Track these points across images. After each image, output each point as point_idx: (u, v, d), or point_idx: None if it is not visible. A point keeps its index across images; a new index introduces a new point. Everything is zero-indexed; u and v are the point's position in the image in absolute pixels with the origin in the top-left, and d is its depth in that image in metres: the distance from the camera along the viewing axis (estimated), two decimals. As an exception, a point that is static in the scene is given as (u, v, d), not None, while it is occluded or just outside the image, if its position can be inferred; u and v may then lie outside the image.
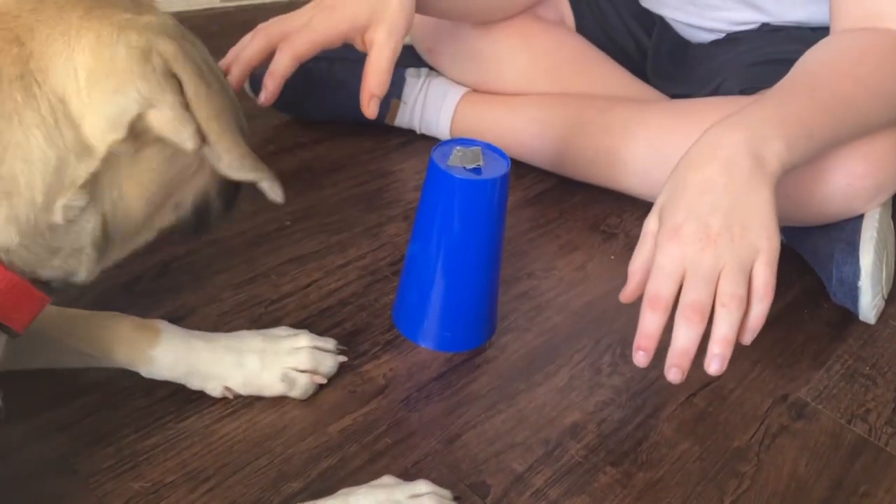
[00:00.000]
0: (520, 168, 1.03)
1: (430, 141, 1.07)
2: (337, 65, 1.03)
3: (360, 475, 0.64)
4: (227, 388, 0.67)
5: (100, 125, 0.51)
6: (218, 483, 0.62)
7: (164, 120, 0.51)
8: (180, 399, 0.67)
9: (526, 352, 0.78)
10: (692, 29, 1.07)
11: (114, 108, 0.50)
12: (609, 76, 1.04)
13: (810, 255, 0.88)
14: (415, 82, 1.05)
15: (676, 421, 0.72)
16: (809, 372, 0.80)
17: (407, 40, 1.08)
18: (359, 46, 0.82)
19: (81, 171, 0.51)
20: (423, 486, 0.61)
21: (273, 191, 0.56)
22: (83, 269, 0.55)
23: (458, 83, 1.05)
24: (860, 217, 0.82)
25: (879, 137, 0.79)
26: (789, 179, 0.81)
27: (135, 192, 0.55)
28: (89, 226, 0.53)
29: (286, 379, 0.68)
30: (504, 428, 0.70)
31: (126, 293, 0.77)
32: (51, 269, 0.53)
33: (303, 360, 0.69)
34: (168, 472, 0.62)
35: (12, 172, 0.49)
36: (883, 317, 0.86)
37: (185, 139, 0.52)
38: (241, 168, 0.54)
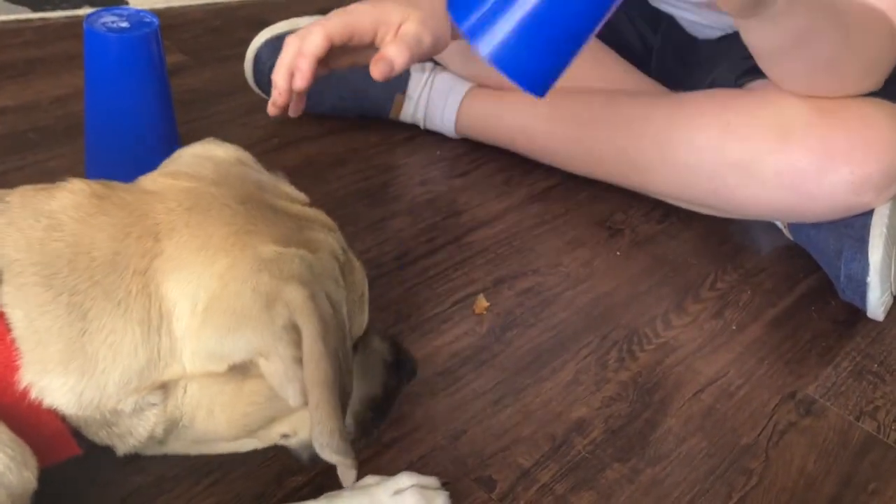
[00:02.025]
0: (525, 164, 1.02)
1: (435, 136, 1.07)
2: (341, 59, 1.03)
3: (366, 469, 0.63)
4: None
5: (200, 354, 0.48)
6: (221, 477, 0.61)
7: (274, 371, 0.48)
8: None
9: (532, 347, 0.77)
10: (700, 26, 1.06)
11: (220, 347, 0.48)
12: (615, 71, 1.03)
13: (818, 252, 0.88)
14: (420, 76, 1.04)
15: (684, 417, 0.72)
16: (817, 369, 0.79)
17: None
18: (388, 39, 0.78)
19: (166, 377, 0.49)
20: (405, 479, 0.59)
21: (344, 477, 0.54)
22: (125, 448, 0.52)
23: (464, 78, 1.04)
24: (869, 213, 0.82)
25: (883, 126, 0.78)
26: (795, 172, 0.80)
27: (225, 415, 0.52)
28: (153, 420, 0.50)
29: None
30: (510, 423, 0.69)
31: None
32: (96, 437, 0.51)
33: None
34: (171, 466, 0.61)
35: (96, 354, 0.47)
36: (891, 314, 0.86)
37: (290, 395, 0.48)
38: (327, 445, 0.49)
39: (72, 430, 0.49)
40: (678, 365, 0.77)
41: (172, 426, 0.51)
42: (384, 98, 1.05)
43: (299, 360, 0.48)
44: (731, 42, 1.00)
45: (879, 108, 0.80)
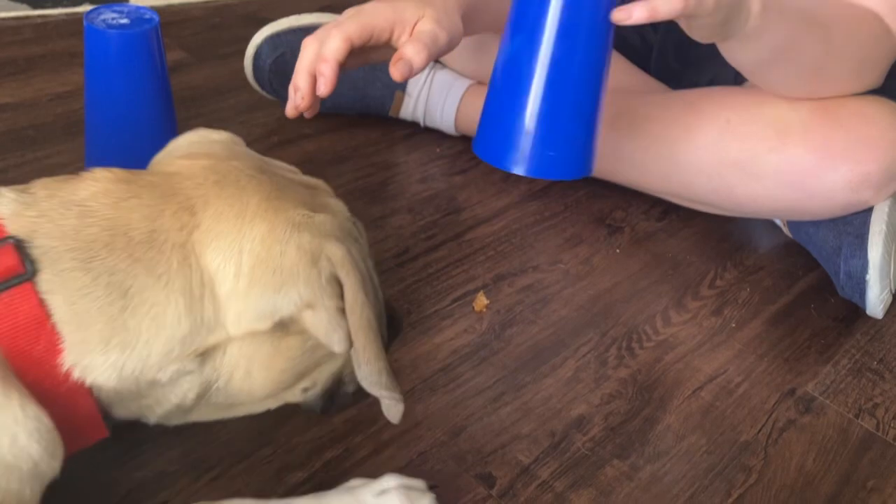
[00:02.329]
0: (525, 161, 1.02)
1: (435, 134, 1.07)
2: (341, 56, 1.03)
3: (365, 466, 0.63)
4: None
5: (247, 315, 0.51)
6: (221, 472, 0.61)
7: (319, 322, 0.52)
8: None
9: (531, 344, 0.77)
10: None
11: (269, 305, 0.51)
12: (615, 69, 1.03)
13: (818, 250, 0.88)
14: (419, 74, 1.04)
15: (683, 414, 0.72)
16: (817, 366, 0.79)
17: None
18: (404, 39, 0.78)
19: (208, 343, 0.51)
20: (390, 480, 0.59)
21: (391, 412, 0.55)
22: (155, 418, 0.55)
23: (463, 75, 1.04)
24: (869, 210, 0.82)
25: (883, 124, 0.78)
26: (794, 170, 0.80)
27: (263, 374, 0.54)
28: (186, 387, 0.53)
29: None
30: (510, 420, 0.69)
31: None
32: (126, 411, 0.53)
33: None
34: (171, 462, 0.61)
35: (138, 328, 0.49)
36: (890, 311, 0.86)
37: (335, 342, 0.52)
38: (376, 382, 0.53)
39: (102, 411, 0.51)
40: (677, 362, 0.77)
41: (205, 390, 0.54)
42: (384, 95, 1.05)
43: (342, 310, 0.52)
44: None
45: (879, 105, 0.80)
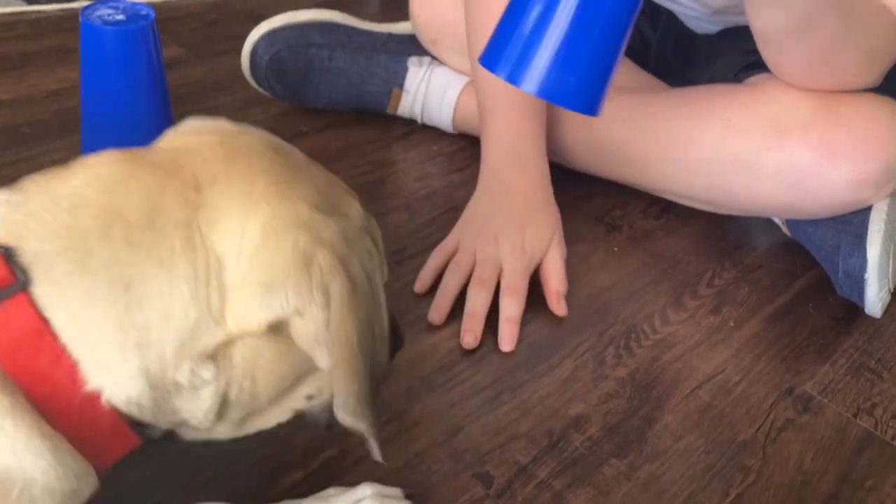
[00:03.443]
0: (522, 159, 1.02)
1: (433, 131, 1.06)
2: (338, 53, 1.03)
3: (362, 465, 0.63)
4: None
5: (242, 311, 0.47)
6: (217, 474, 0.61)
7: (306, 331, 0.48)
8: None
9: (529, 343, 0.77)
10: (699, 21, 1.06)
11: (260, 302, 0.47)
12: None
13: (816, 249, 0.88)
14: (417, 71, 1.04)
15: (681, 413, 0.72)
16: (815, 366, 0.79)
17: (409, 29, 1.07)
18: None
19: (216, 339, 0.47)
20: (366, 489, 0.58)
21: (372, 448, 0.53)
22: (188, 432, 0.51)
23: (461, 73, 1.04)
24: (868, 209, 0.81)
25: (883, 122, 0.78)
26: (794, 169, 0.80)
27: (265, 379, 0.50)
28: (209, 400, 0.48)
29: None
30: (508, 419, 0.69)
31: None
32: (158, 421, 0.49)
33: None
34: (167, 462, 0.61)
35: (148, 323, 0.45)
36: (889, 310, 0.86)
37: (320, 357, 0.48)
38: (342, 406, 0.49)
39: (130, 422, 0.47)
40: (676, 361, 0.77)
41: (224, 402, 0.50)
42: (381, 93, 1.04)
43: (330, 325, 0.47)
44: (731, 37, 1.00)
45: (879, 104, 0.80)
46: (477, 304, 0.77)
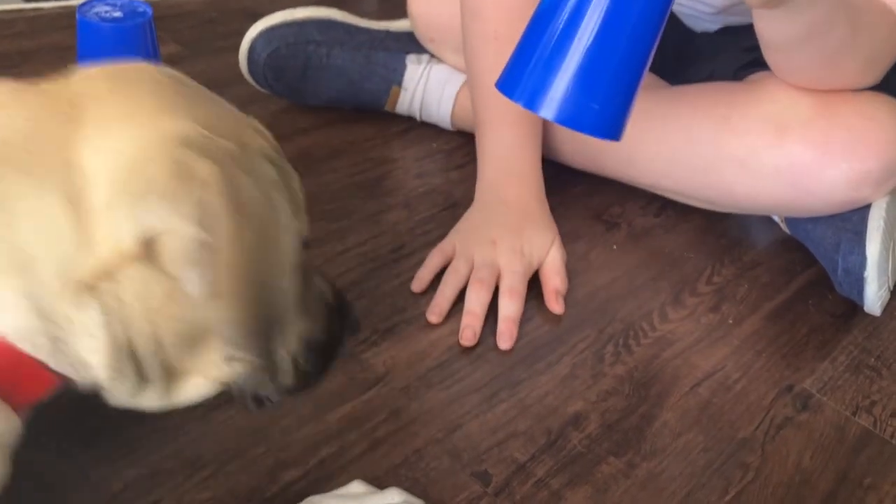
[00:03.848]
0: (521, 157, 1.02)
1: (431, 129, 1.06)
2: (336, 50, 1.02)
3: (360, 463, 0.63)
4: None
5: (113, 228, 0.44)
6: (216, 470, 0.61)
7: (174, 249, 0.44)
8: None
9: (528, 341, 0.77)
10: (698, 19, 1.06)
11: (128, 215, 0.44)
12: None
13: (816, 246, 0.88)
14: (416, 69, 1.03)
15: (680, 411, 0.72)
16: (814, 363, 0.79)
17: (408, 27, 1.07)
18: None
19: (93, 263, 0.44)
20: (395, 495, 0.56)
21: (272, 393, 0.50)
22: (112, 395, 0.48)
23: (460, 70, 1.04)
24: (867, 207, 0.81)
25: (883, 120, 0.78)
26: (793, 167, 0.80)
27: (166, 325, 0.46)
28: (103, 341, 0.45)
29: None
30: (506, 417, 0.69)
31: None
32: (58, 366, 0.46)
33: None
34: (165, 459, 0.61)
35: (25, 243, 0.43)
36: (888, 308, 0.85)
37: (190, 280, 0.44)
38: (234, 342, 0.45)
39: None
40: (675, 359, 0.77)
41: (133, 356, 0.47)
42: (380, 90, 1.04)
43: (208, 246, 0.44)
44: (730, 35, 0.99)
45: (879, 102, 0.79)
46: (475, 303, 0.77)
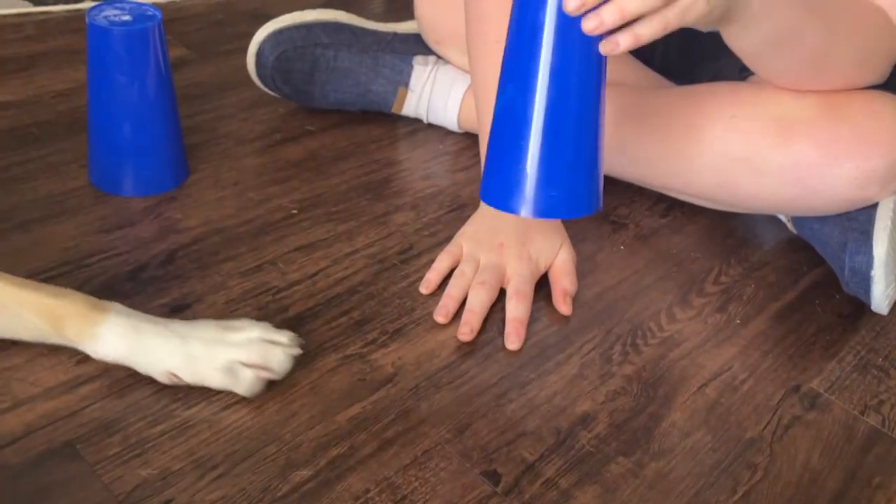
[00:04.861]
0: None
1: (438, 130, 1.07)
2: (343, 52, 1.03)
3: (370, 463, 0.63)
4: (173, 375, 0.65)
5: None
6: (226, 470, 0.61)
7: None
8: (187, 387, 0.66)
9: (536, 341, 0.77)
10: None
11: None
12: (619, 65, 1.03)
13: (822, 246, 0.88)
14: (423, 70, 1.04)
15: (688, 411, 0.72)
16: (822, 363, 0.79)
17: (414, 29, 1.07)
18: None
19: None
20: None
21: None
22: None
23: (466, 72, 1.04)
24: (874, 206, 0.81)
25: (889, 119, 0.78)
26: (799, 166, 0.80)
27: None
28: None
29: (230, 371, 0.65)
30: (515, 417, 0.69)
31: (132, 281, 0.77)
32: None
33: (251, 353, 0.65)
34: (176, 460, 0.61)
35: None
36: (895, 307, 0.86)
37: None
38: None
39: None
40: (682, 359, 0.77)
41: None
42: (387, 92, 1.04)
43: None
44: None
45: (885, 101, 0.79)
46: (475, 303, 0.77)
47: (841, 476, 0.68)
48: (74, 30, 1.21)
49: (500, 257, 0.81)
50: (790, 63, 0.78)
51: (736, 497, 0.65)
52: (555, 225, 0.86)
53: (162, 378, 0.65)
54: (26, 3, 1.26)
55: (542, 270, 0.82)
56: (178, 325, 0.67)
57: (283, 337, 0.68)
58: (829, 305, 0.86)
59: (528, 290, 0.79)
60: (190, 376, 0.65)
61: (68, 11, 1.26)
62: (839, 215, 0.84)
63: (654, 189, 0.96)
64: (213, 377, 0.65)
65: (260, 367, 0.66)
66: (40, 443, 0.61)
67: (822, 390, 0.76)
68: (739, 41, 0.74)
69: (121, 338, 0.65)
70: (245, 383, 0.65)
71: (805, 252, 0.92)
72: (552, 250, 0.83)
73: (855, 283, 0.83)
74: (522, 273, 0.80)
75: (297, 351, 0.68)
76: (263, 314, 0.75)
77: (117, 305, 0.67)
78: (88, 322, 0.65)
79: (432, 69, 1.04)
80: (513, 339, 0.76)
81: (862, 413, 0.74)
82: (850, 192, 0.79)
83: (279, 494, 0.60)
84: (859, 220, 0.82)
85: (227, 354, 0.65)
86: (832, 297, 0.87)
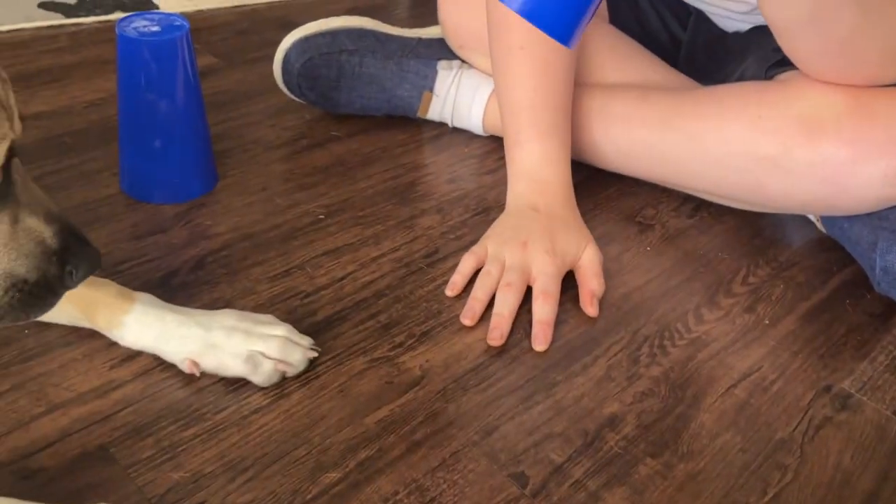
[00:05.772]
0: (553, 160, 1.02)
1: (463, 134, 1.07)
2: (368, 58, 1.03)
3: (398, 466, 0.64)
4: (193, 363, 0.67)
5: None
6: (256, 473, 0.62)
7: None
8: (218, 390, 0.67)
9: (563, 343, 0.77)
10: (729, 19, 1.06)
11: None
12: (644, 66, 1.02)
13: (852, 245, 0.87)
14: (447, 75, 1.04)
15: (717, 412, 0.71)
16: (853, 363, 0.78)
17: (438, 33, 1.08)
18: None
19: None
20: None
21: None
22: None
23: (491, 77, 1.04)
24: (905, 204, 0.80)
25: None
26: (827, 165, 0.79)
27: None
28: None
29: (251, 361, 0.67)
30: (542, 419, 0.69)
31: (163, 286, 0.78)
32: None
33: (273, 347, 0.68)
34: (207, 463, 0.62)
35: None
36: (928, 307, 0.85)
37: None
38: None
39: None
40: (711, 360, 0.77)
41: None
42: (412, 97, 1.05)
43: None
44: (761, 34, 0.99)
45: (914, 98, 0.79)
46: (503, 306, 0.77)
47: (873, 477, 0.67)
48: (105, 41, 1.23)
49: (525, 256, 0.81)
50: (820, 43, 0.77)
51: (766, 499, 0.65)
52: (579, 224, 0.86)
53: (182, 366, 0.68)
54: (58, 15, 1.28)
55: (568, 266, 0.82)
56: (201, 315, 0.69)
57: (304, 341, 0.71)
58: (859, 305, 0.85)
59: (555, 288, 0.80)
60: (209, 363, 0.67)
61: (99, 23, 1.28)
62: (869, 214, 0.83)
63: (681, 190, 0.96)
64: (232, 364, 0.67)
65: (280, 360, 0.68)
66: (74, 446, 0.62)
67: (853, 391, 0.75)
68: (776, 8, 0.74)
69: (147, 327, 0.68)
70: (264, 374, 0.68)
71: (834, 252, 0.91)
72: (577, 248, 0.83)
73: (886, 283, 0.82)
74: (548, 271, 0.80)
75: (312, 353, 0.71)
76: (292, 318, 0.75)
77: (145, 296, 0.69)
78: (118, 311, 0.68)
79: (457, 73, 1.04)
80: (540, 340, 0.76)
81: (895, 413, 0.73)
82: (881, 190, 0.79)
83: (309, 497, 0.61)
84: (890, 219, 0.81)
85: (249, 345, 0.67)
86: (863, 296, 0.86)
